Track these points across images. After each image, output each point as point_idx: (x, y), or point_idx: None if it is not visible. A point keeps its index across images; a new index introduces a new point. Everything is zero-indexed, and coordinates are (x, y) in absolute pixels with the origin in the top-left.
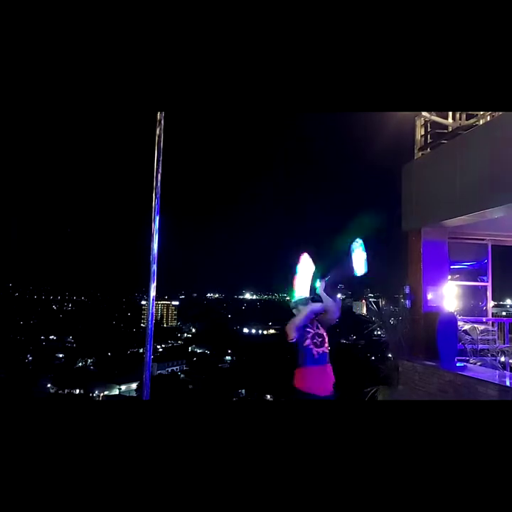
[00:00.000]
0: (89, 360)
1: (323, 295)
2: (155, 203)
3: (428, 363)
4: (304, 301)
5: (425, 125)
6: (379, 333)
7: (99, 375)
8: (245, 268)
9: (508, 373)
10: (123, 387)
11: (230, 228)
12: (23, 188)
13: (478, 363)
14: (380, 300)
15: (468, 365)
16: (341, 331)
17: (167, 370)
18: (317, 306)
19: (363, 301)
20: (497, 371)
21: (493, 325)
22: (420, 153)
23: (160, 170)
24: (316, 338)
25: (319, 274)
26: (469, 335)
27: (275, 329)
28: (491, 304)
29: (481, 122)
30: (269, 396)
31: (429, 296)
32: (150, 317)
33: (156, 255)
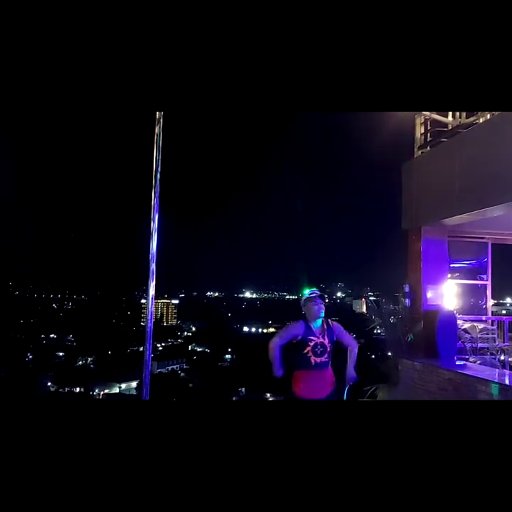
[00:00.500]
0: (89, 359)
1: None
2: (154, 201)
3: (427, 361)
4: (305, 300)
5: (425, 123)
6: (379, 331)
7: (100, 373)
8: (245, 267)
9: (507, 372)
10: (123, 386)
11: (229, 227)
12: (22, 187)
13: (478, 362)
14: (379, 298)
15: (467, 363)
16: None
17: (167, 369)
18: (297, 330)
19: (363, 299)
20: (496, 369)
21: (492, 323)
22: (420, 152)
23: (159, 168)
24: (318, 347)
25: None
26: (469, 333)
27: (275, 328)
28: (490, 302)
29: (481, 120)
30: (268, 395)
31: (429, 295)
32: (149, 317)
33: (155, 254)
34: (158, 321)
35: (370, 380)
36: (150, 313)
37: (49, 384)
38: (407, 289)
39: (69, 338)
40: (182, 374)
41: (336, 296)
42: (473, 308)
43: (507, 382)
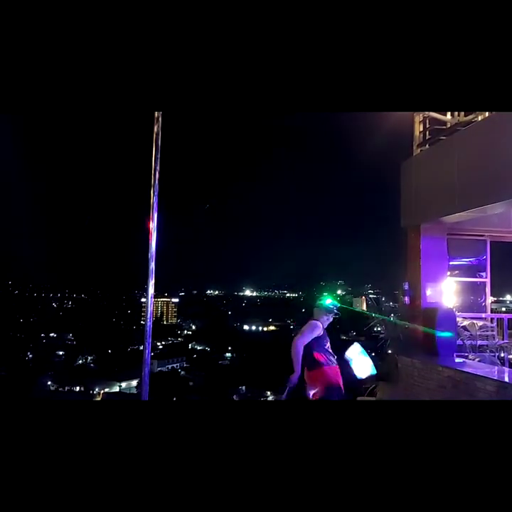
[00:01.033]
0: (89, 358)
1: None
2: (153, 200)
3: (427, 359)
4: (326, 310)
5: (424, 121)
6: (378, 329)
7: (100, 372)
8: (245, 265)
9: (506, 369)
10: (123, 385)
11: (229, 225)
12: (21, 185)
13: (477, 359)
14: (379, 296)
15: (467, 361)
16: (341, 327)
17: (167, 367)
18: (318, 329)
19: (363, 297)
20: (496, 367)
21: (492, 321)
22: (419, 150)
23: (158, 167)
24: (328, 354)
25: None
26: (468, 331)
27: (275, 326)
28: (489, 299)
29: (480, 118)
30: (269, 393)
31: (428, 293)
32: (148, 316)
33: (154, 253)
34: (158, 320)
35: (370, 377)
36: (149, 312)
37: (49, 383)
38: (406, 287)
39: (69, 337)
40: (182, 372)
41: (335, 293)
42: (473, 305)
43: (506, 379)
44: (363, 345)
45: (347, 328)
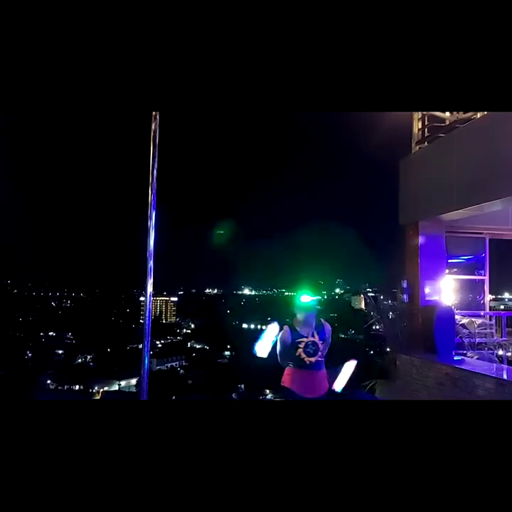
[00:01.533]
0: (88, 357)
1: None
2: (151, 198)
3: (425, 356)
4: (302, 308)
5: (422, 119)
6: (377, 327)
7: (99, 371)
8: (244, 263)
9: (505, 366)
10: (123, 383)
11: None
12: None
13: (476, 357)
14: (378, 294)
15: (465, 358)
16: (340, 326)
17: (166, 366)
18: (286, 338)
19: (361, 295)
20: (494, 364)
21: (490, 318)
22: (417, 147)
23: (156, 165)
24: (310, 346)
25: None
26: (467, 328)
27: None
28: (488, 297)
29: (479, 115)
30: (268, 391)
31: (427, 290)
32: (147, 315)
33: (152, 251)
34: (157, 319)
35: (369, 375)
36: (148, 310)
37: (48, 382)
38: (405, 285)
39: (68, 336)
40: (181, 371)
41: (334, 292)
42: (471, 303)
43: (504, 376)
44: (362, 344)
45: (346, 325)
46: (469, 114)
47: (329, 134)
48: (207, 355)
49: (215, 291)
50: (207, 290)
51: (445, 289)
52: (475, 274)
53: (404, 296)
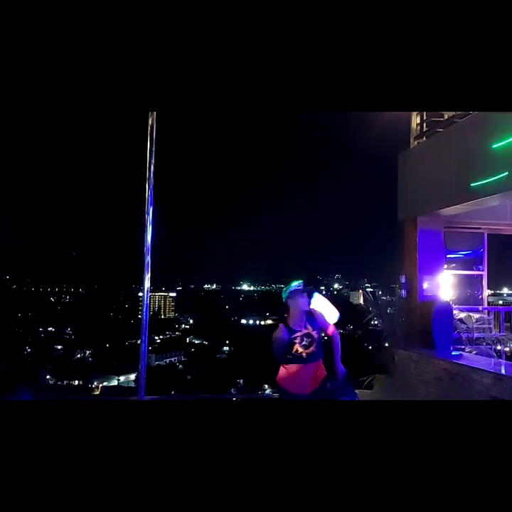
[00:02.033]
0: (87, 352)
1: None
2: (148, 194)
3: (424, 351)
4: (292, 292)
5: (421, 113)
6: (375, 322)
7: (98, 366)
8: (242, 259)
9: (503, 362)
10: (122, 378)
11: (226, 220)
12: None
13: (474, 352)
14: (376, 290)
15: (463, 353)
16: (338, 321)
17: (165, 361)
18: (283, 336)
19: (360, 291)
20: (492, 359)
21: (488, 314)
22: (416, 142)
23: (153, 161)
24: (305, 339)
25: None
26: (465, 324)
27: (272, 320)
28: (486, 292)
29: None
30: (266, 386)
31: (425, 286)
32: (144, 310)
33: (150, 247)
34: (155, 314)
35: (367, 370)
36: (145, 305)
37: (48, 377)
38: (403, 280)
39: (67, 331)
40: (180, 366)
41: (333, 287)
42: (470, 298)
43: (503, 371)
44: (360, 339)
45: (345, 321)
46: None
47: (327, 130)
48: (206, 350)
49: (214, 286)
50: (205, 286)
51: (443, 284)
52: (473, 269)
53: (403, 292)
